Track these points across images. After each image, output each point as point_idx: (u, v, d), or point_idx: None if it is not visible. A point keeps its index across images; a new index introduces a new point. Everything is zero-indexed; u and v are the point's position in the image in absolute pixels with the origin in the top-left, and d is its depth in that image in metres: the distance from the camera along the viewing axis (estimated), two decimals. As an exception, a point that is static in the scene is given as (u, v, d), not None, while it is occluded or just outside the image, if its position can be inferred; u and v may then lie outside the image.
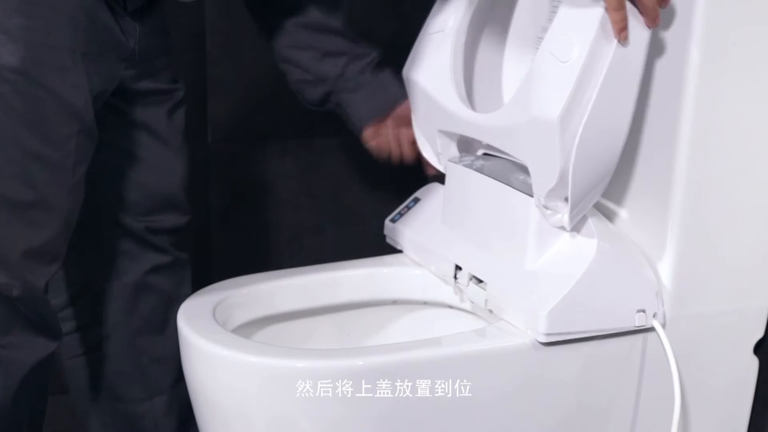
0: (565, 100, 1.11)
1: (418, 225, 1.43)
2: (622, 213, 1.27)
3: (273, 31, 1.49)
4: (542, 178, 1.18)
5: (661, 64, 1.17)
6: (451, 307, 1.39)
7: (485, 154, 1.39)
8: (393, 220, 1.49)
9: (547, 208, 1.20)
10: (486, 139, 1.28)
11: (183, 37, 1.76)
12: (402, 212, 1.48)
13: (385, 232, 1.50)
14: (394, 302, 1.45)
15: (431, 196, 1.47)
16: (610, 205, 1.28)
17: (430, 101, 1.40)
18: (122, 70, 1.28)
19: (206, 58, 1.78)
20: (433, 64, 1.39)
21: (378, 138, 1.50)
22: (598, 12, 1.10)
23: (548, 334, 1.16)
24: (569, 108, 1.11)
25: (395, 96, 1.48)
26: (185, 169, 1.42)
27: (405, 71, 1.45)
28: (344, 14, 1.49)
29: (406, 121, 1.48)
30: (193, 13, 1.75)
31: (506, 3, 1.36)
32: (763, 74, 1.17)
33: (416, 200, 1.49)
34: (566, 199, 1.17)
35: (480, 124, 1.29)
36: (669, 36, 1.15)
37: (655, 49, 1.17)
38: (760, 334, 1.28)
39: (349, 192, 1.96)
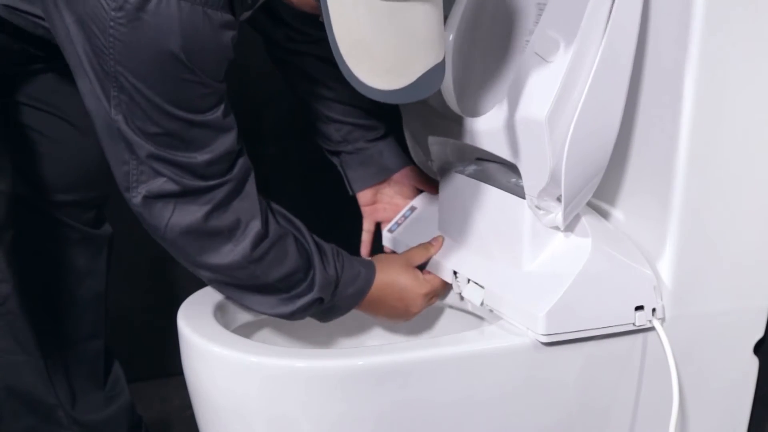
0: (552, 99, 1.11)
1: (416, 234, 1.43)
2: (623, 213, 1.27)
3: (291, 83, 1.52)
4: (533, 179, 1.18)
5: (661, 64, 1.17)
6: (451, 307, 1.39)
7: (478, 159, 1.39)
8: (390, 230, 1.48)
9: (539, 208, 1.20)
10: (476, 143, 1.28)
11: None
12: (399, 222, 1.48)
13: (384, 242, 1.50)
14: (394, 302, 1.45)
15: (427, 204, 1.47)
16: (611, 204, 1.28)
17: (420, 108, 1.40)
18: None
19: (206, 58, 1.78)
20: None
21: (373, 204, 1.51)
22: (582, 11, 1.10)
23: (547, 335, 1.16)
24: (557, 107, 1.12)
25: (392, 165, 1.48)
26: (90, 142, 1.40)
27: None
28: None
29: (407, 192, 1.49)
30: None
31: (494, 8, 1.36)
32: (763, 74, 1.17)
33: (412, 209, 1.48)
34: (559, 199, 1.17)
35: (470, 128, 1.29)
36: (669, 36, 1.15)
37: (656, 48, 1.17)
38: (760, 334, 1.28)
39: (349, 194, 1.95)
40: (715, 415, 1.30)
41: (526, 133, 1.16)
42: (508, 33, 1.35)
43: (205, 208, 1.17)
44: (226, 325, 1.26)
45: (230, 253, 1.19)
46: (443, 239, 1.36)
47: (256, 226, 1.20)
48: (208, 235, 1.18)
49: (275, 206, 1.27)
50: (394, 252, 1.46)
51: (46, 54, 1.31)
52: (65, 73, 1.37)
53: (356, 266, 1.29)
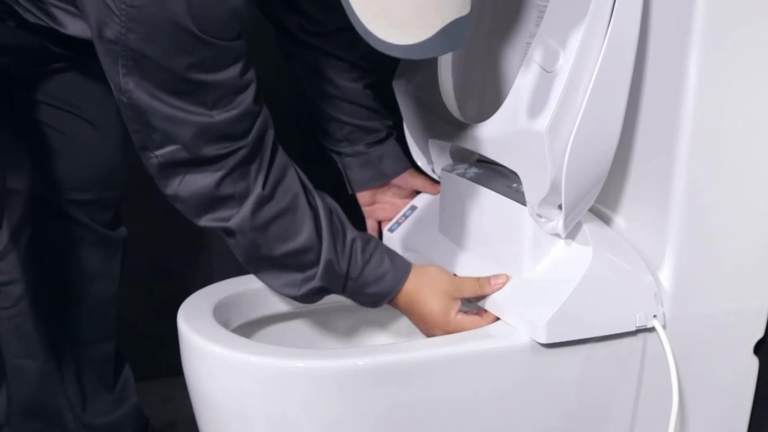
0: (553, 110, 1.11)
1: (416, 235, 1.43)
2: (622, 215, 1.27)
3: (298, 78, 1.49)
4: (534, 188, 1.18)
5: (661, 65, 1.17)
6: (451, 307, 1.39)
7: (479, 160, 1.39)
8: (391, 230, 1.48)
9: (540, 216, 1.20)
10: (477, 149, 1.28)
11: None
12: (399, 221, 1.48)
13: (384, 242, 1.49)
14: (395, 302, 1.45)
15: (428, 205, 1.47)
16: (610, 207, 1.28)
17: (420, 110, 1.40)
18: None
19: (206, 58, 1.78)
20: (423, 73, 1.39)
21: (372, 204, 1.50)
22: (582, 19, 1.10)
23: (548, 344, 1.16)
24: (557, 118, 1.11)
25: (390, 171, 1.48)
26: (108, 141, 1.43)
27: (395, 80, 1.44)
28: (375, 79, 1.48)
29: (405, 194, 1.49)
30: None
31: (494, 8, 1.36)
32: (763, 74, 1.17)
33: (413, 208, 1.48)
34: (560, 207, 1.17)
35: (470, 134, 1.28)
36: (669, 36, 1.15)
37: (655, 49, 1.17)
38: (760, 334, 1.28)
39: (349, 192, 1.95)
40: (715, 415, 1.30)
41: (527, 143, 1.16)
42: (509, 36, 1.34)
43: (218, 174, 1.13)
44: (226, 325, 1.26)
45: (235, 216, 1.15)
46: (506, 280, 1.24)
47: (258, 188, 1.15)
48: (218, 199, 1.15)
49: (302, 178, 1.22)
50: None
51: (68, 53, 1.30)
52: (85, 73, 1.37)
53: (385, 267, 1.23)
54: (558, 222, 1.19)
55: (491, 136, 1.24)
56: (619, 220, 1.27)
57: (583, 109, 1.11)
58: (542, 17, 1.17)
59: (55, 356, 1.47)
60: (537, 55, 1.15)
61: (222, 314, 1.28)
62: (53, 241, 1.44)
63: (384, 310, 1.44)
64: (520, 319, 1.19)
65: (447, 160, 1.41)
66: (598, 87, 1.10)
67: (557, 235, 1.21)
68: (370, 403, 1.16)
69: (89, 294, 1.47)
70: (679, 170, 1.17)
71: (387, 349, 1.25)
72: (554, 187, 1.14)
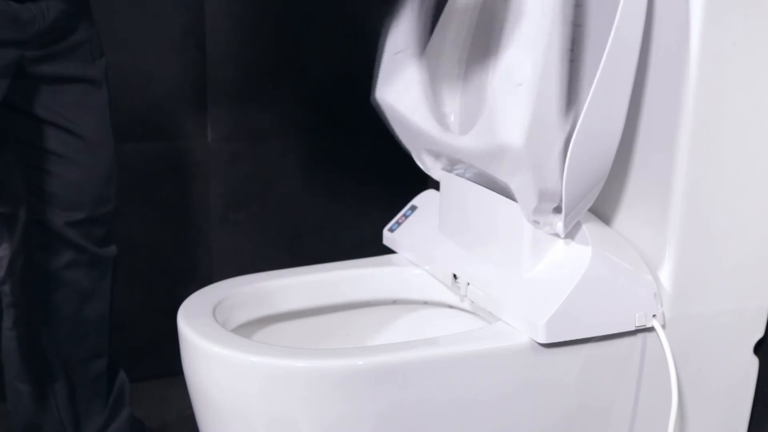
0: (527, 123, 1.10)
1: (416, 235, 1.43)
2: (622, 215, 1.27)
3: None
4: (523, 198, 1.18)
5: (660, 65, 1.17)
6: (451, 307, 1.39)
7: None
8: (391, 230, 1.48)
9: (537, 221, 1.20)
10: (465, 159, 1.28)
11: (183, 36, 1.76)
12: (399, 221, 1.48)
13: (384, 242, 1.50)
14: (394, 302, 1.45)
15: (428, 204, 1.47)
16: (610, 207, 1.28)
17: (406, 122, 1.40)
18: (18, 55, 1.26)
19: (206, 58, 1.78)
20: (402, 85, 1.38)
21: None
22: (545, 25, 1.09)
23: (548, 344, 1.17)
24: (533, 130, 1.11)
25: None
26: (102, 156, 1.42)
27: (375, 94, 1.44)
28: None
29: None
30: (192, 12, 1.75)
31: (466, 15, 1.35)
32: (763, 74, 1.17)
33: (413, 208, 1.48)
34: (555, 210, 1.17)
35: (455, 145, 1.28)
36: (669, 36, 1.15)
37: (655, 50, 1.17)
38: (760, 334, 1.28)
39: (349, 192, 1.96)
40: (715, 415, 1.30)
41: (505, 157, 1.16)
42: (486, 46, 1.34)
43: None
44: (226, 325, 1.26)
45: None
46: None
47: None
48: None
49: None
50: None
51: (70, 22, 1.29)
52: (86, 83, 1.36)
53: None
54: (557, 223, 1.19)
55: (474, 148, 1.23)
56: (619, 220, 1.27)
57: (584, 108, 1.11)
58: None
59: (47, 379, 1.47)
60: (504, 67, 1.14)
61: (222, 314, 1.28)
62: (45, 264, 1.43)
63: (383, 309, 1.44)
64: (519, 319, 1.19)
65: (445, 162, 1.41)
66: (600, 87, 1.10)
67: (557, 235, 1.21)
68: (370, 403, 1.16)
69: (80, 315, 1.47)
70: (679, 170, 1.17)
71: (387, 349, 1.25)
72: (543, 196, 1.14)
